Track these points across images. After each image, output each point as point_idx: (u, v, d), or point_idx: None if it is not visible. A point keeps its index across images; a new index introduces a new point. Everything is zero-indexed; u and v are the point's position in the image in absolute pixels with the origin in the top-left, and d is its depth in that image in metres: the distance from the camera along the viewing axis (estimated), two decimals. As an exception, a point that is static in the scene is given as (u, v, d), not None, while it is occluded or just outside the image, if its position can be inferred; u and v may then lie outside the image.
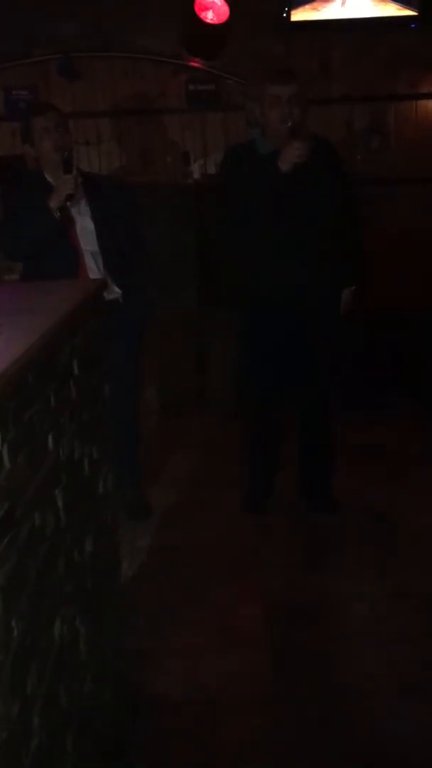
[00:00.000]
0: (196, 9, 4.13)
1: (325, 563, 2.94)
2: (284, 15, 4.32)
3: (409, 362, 4.29)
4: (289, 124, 2.71)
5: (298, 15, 4.32)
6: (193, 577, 2.85)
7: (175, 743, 2.07)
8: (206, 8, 4.11)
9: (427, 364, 4.23)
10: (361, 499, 3.32)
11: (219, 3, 4.12)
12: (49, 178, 2.74)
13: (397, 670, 2.29)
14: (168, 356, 4.30)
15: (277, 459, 3.31)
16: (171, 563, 2.96)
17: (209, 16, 4.10)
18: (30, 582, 1.21)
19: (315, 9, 4.33)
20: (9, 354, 1.13)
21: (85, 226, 2.75)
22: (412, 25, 4.32)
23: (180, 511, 3.36)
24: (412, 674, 2.27)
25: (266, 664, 2.38)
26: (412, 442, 3.93)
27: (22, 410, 1.21)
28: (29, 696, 1.18)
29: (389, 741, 2.03)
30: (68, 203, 2.63)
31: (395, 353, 4.29)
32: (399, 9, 4.30)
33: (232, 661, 2.39)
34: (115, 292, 2.81)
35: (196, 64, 4.46)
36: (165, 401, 4.28)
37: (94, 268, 2.79)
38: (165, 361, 4.26)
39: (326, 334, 3.10)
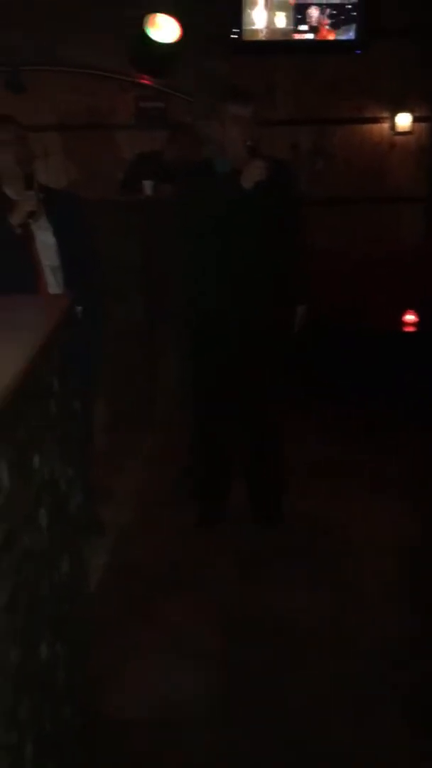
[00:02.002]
0: (148, 27, 4.15)
1: (276, 577, 2.95)
2: (232, 36, 4.38)
3: (336, 374, 4.37)
4: (250, 143, 2.75)
5: (246, 37, 4.40)
6: (146, 595, 2.82)
7: (131, 764, 2.04)
8: (157, 27, 4.14)
9: (354, 376, 4.33)
10: (306, 513, 3.36)
11: (170, 22, 4.15)
12: (9, 193, 2.68)
13: (350, 684, 2.32)
14: (116, 370, 4.25)
15: (226, 475, 3.32)
16: (124, 581, 2.92)
17: (160, 35, 4.12)
18: (22, 604, 1.18)
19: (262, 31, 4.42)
20: (5, 372, 1.11)
21: (44, 241, 2.70)
22: (357, 51, 4.45)
23: (133, 528, 3.32)
24: (363, 688, 2.30)
25: (220, 682, 2.37)
26: (351, 455, 4.00)
27: (14, 429, 1.18)
28: (24, 724, 1.14)
29: (343, 759, 2.04)
30: (29, 220, 2.58)
31: (325, 365, 4.36)
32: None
33: (186, 680, 2.37)
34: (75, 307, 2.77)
35: (145, 82, 4.48)
36: (114, 416, 4.23)
37: (53, 283, 2.73)
38: (113, 375, 4.22)
39: (275, 352, 3.14)
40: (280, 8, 4.38)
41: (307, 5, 4.37)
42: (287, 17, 4.39)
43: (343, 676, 2.36)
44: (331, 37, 4.43)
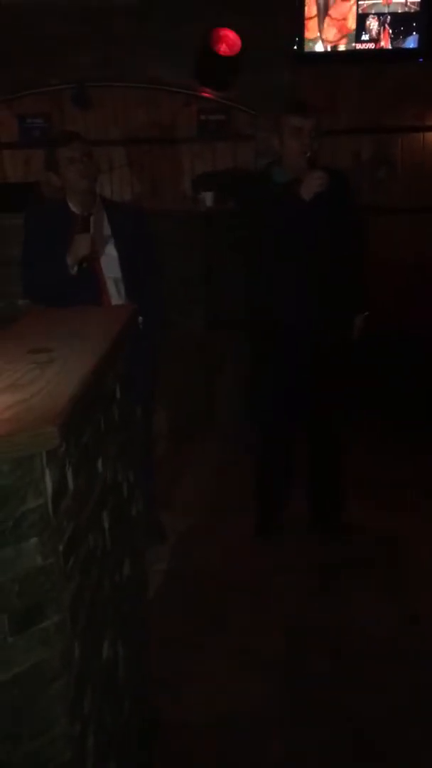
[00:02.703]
0: (210, 41, 4.22)
1: (337, 587, 2.95)
2: (294, 48, 4.41)
3: (397, 387, 4.31)
4: (309, 154, 2.78)
5: (307, 48, 4.42)
6: (208, 601, 2.86)
7: (188, 767, 2.07)
8: (219, 40, 4.20)
9: (410, 388, 4.27)
10: (361, 524, 3.34)
11: (231, 35, 4.21)
12: (74, 208, 2.78)
13: (411, 695, 2.30)
14: (176, 380, 4.31)
15: (285, 483, 3.33)
16: (185, 588, 2.96)
17: (222, 48, 4.18)
18: (86, 603, 1.23)
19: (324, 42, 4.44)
20: (72, 380, 1.16)
21: (108, 253, 2.78)
22: (420, 59, 4.42)
23: (193, 536, 3.37)
24: (426, 701, 2.28)
25: (283, 689, 2.38)
26: (405, 468, 3.95)
27: (79, 434, 1.24)
28: (86, 717, 1.19)
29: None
30: (84, 265, 2.66)
31: (384, 378, 4.30)
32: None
33: (249, 686, 2.39)
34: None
35: (207, 95, 4.55)
36: (174, 425, 4.29)
37: (115, 295, 2.81)
38: (173, 384, 4.28)
39: (336, 360, 3.14)
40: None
41: (368, 15, 4.37)
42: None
43: (411, 685, 2.34)
44: (392, 45, 4.42)
